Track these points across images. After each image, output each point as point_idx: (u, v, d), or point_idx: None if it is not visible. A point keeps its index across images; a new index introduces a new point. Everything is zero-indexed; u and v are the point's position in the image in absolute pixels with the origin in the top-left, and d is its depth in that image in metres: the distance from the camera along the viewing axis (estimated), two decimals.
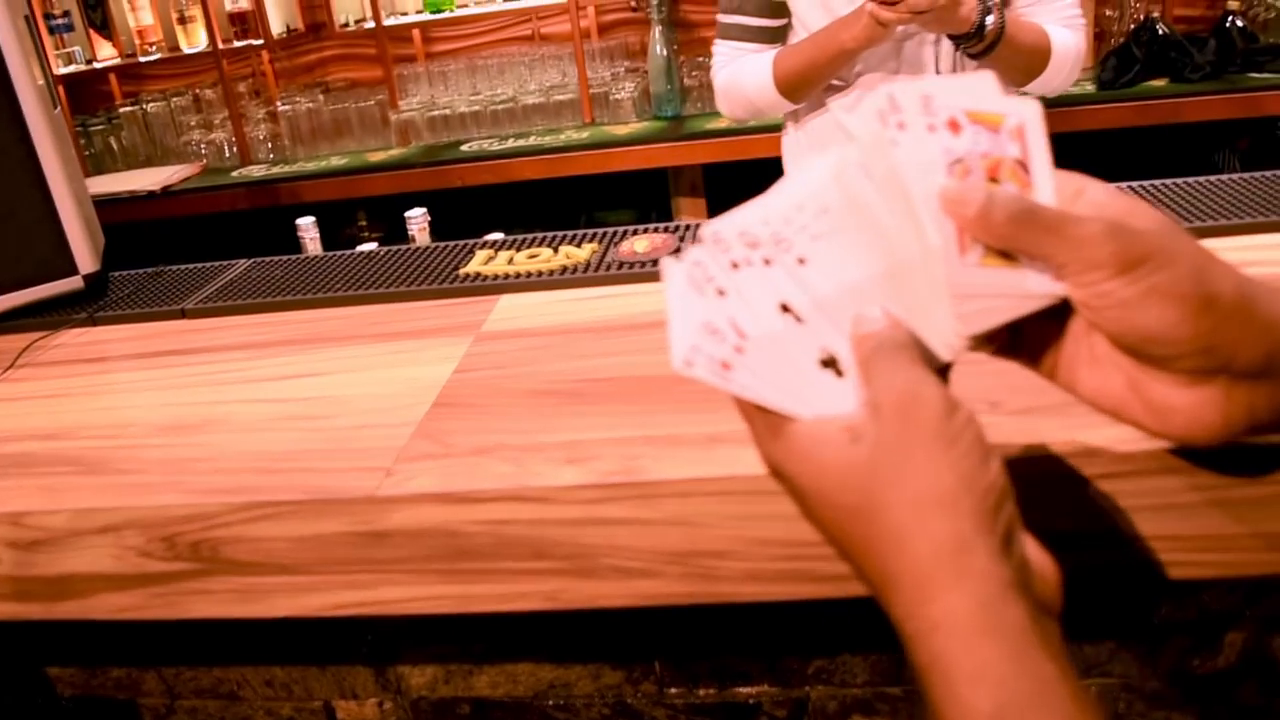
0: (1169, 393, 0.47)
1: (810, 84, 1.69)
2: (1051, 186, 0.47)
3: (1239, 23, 2.89)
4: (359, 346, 0.91)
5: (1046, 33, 1.64)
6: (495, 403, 0.76)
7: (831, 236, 0.48)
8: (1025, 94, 1.71)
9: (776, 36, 1.75)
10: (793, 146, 1.87)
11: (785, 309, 0.47)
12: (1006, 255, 0.47)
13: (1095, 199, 0.47)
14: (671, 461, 0.66)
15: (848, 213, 0.48)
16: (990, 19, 1.52)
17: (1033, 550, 0.44)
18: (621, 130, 3.03)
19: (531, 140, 3.04)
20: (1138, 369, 0.47)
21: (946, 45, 1.63)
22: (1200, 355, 0.45)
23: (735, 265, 0.47)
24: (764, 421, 0.47)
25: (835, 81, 1.71)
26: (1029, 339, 0.50)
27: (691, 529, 0.65)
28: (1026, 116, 0.48)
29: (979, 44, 1.55)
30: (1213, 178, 1.11)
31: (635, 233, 1.08)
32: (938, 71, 1.66)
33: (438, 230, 2.62)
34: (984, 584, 0.41)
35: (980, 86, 0.48)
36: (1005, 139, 0.47)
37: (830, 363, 0.48)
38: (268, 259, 1.20)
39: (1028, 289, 0.47)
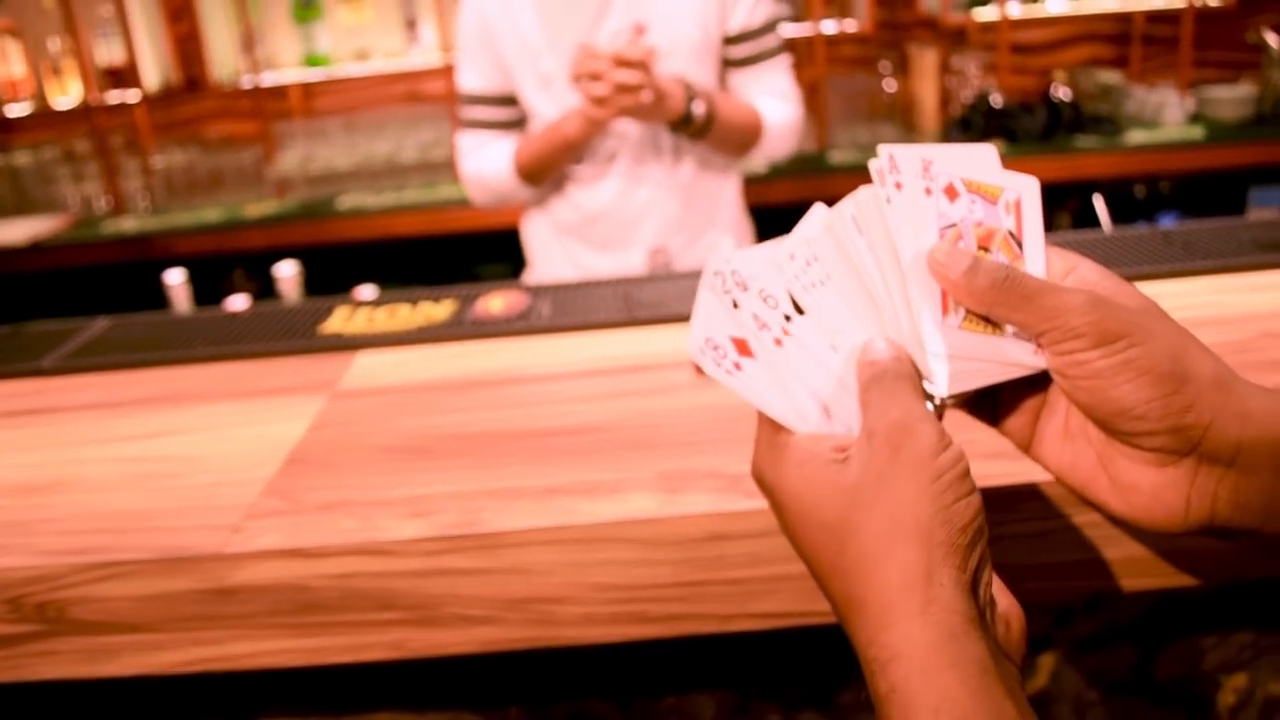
0: (1135, 470, 0.47)
1: (545, 171, 1.78)
2: (1042, 261, 0.49)
3: (1065, 94, 3.11)
4: (215, 405, 0.93)
5: (757, 110, 1.77)
6: (345, 459, 0.79)
7: (819, 288, 0.49)
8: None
9: (514, 126, 1.84)
10: (535, 229, 1.94)
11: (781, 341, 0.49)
12: (989, 321, 0.48)
13: (1086, 277, 0.48)
14: (511, 513, 0.69)
15: (837, 262, 0.49)
16: (696, 108, 1.63)
17: (1000, 594, 0.45)
18: None
19: (407, 196, 3.07)
20: (1108, 445, 0.48)
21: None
22: (1169, 434, 0.45)
23: (736, 305, 0.48)
24: (766, 427, 0.49)
25: (577, 166, 1.81)
26: (1007, 407, 0.52)
27: (530, 577, 0.68)
28: (1024, 192, 0.49)
29: (690, 129, 1.66)
30: (1060, 235, 1.20)
31: (491, 291, 1.12)
32: (657, 149, 1.78)
33: (315, 285, 2.62)
34: (949, 616, 0.41)
35: (981, 158, 0.49)
36: (1001, 211, 0.49)
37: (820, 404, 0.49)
38: (128, 317, 1.20)
39: (1007, 356, 0.48)
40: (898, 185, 0.48)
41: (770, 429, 0.49)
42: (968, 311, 0.48)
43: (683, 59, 1.71)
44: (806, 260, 0.49)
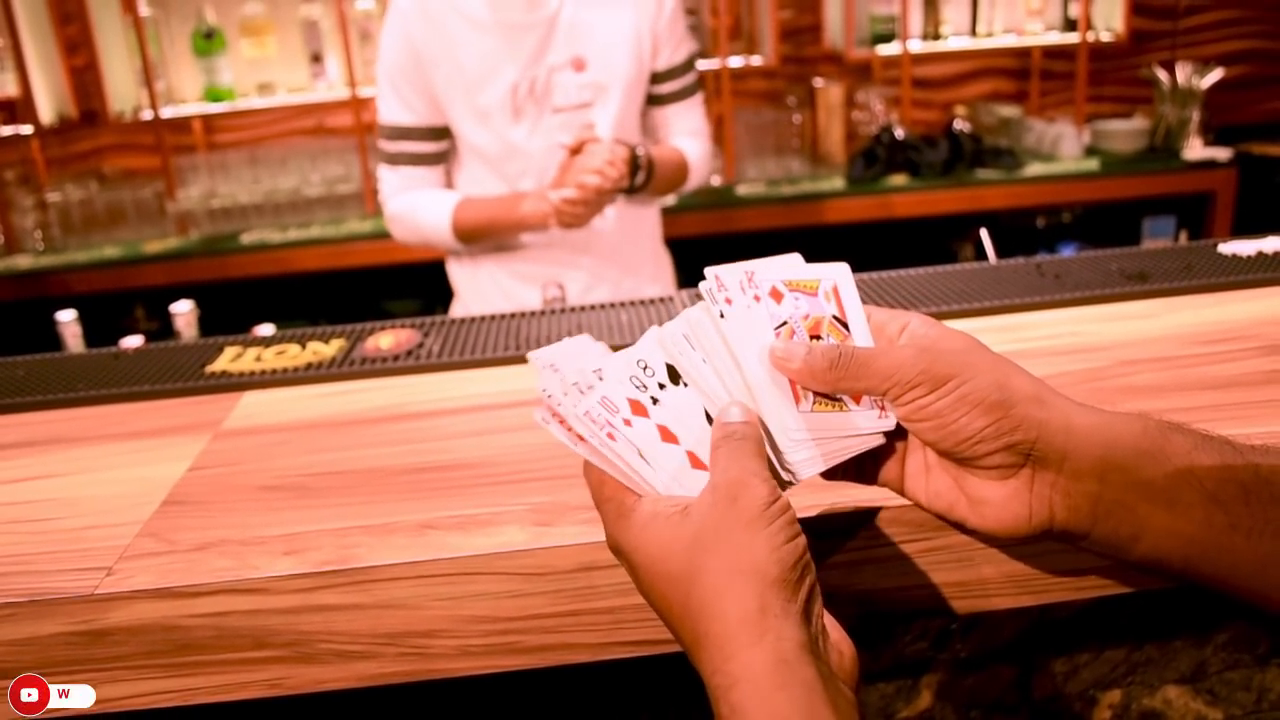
0: (984, 487, 0.55)
1: (488, 237, 1.79)
2: (868, 333, 0.56)
3: (966, 127, 3.22)
4: (96, 447, 0.92)
5: (681, 152, 1.85)
6: (223, 499, 0.79)
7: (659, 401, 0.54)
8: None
9: (441, 159, 1.83)
10: (460, 274, 1.93)
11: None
12: (835, 400, 0.54)
13: (915, 330, 0.56)
14: (385, 549, 0.70)
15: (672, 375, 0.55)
16: (642, 165, 1.71)
17: (831, 628, 0.50)
18: None
19: (313, 231, 3.04)
20: (959, 470, 0.55)
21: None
22: (1005, 451, 0.53)
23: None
24: (613, 506, 0.53)
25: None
26: (880, 465, 0.58)
27: (404, 611, 0.69)
28: (839, 279, 0.57)
29: (633, 187, 1.73)
30: (942, 268, 1.25)
31: (381, 329, 1.13)
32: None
33: (217, 322, 2.59)
34: (781, 643, 0.46)
35: (791, 261, 0.57)
36: (822, 300, 0.56)
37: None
38: (11, 359, 1.19)
39: (858, 427, 0.55)
40: (728, 300, 0.55)
41: (617, 502, 0.54)
42: (816, 395, 0.54)
43: (619, 93, 1.75)
44: (646, 374, 0.55)
